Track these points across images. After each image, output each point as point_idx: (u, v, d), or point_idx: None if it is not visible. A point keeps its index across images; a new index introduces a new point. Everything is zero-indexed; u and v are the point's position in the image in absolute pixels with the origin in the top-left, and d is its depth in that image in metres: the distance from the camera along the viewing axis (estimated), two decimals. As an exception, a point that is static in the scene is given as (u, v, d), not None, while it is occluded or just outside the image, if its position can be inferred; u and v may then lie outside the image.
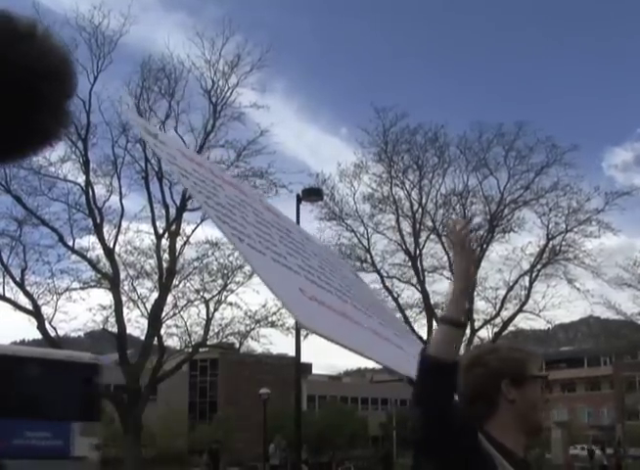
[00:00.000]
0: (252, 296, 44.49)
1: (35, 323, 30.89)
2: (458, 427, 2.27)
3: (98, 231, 32.07)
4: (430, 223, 39.72)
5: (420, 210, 39.51)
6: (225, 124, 33.67)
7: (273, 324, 33.93)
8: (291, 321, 31.57)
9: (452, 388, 2.30)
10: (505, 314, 39.69)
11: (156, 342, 32.71)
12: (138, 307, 32.99)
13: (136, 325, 33.64)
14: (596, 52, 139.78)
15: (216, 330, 34.22)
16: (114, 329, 32.24)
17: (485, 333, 39.70)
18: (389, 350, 2.91)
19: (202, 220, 33.55)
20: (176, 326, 33.93)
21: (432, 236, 39.88)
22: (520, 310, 39.48)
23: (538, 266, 39.77)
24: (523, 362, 2.59)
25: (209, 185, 2.68)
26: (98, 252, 32.83)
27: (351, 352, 2.29)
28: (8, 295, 31.35)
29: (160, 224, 33.15)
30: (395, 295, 39.29)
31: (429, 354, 2.28)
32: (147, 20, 73.79)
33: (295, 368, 26.43)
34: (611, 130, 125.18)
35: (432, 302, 39.14)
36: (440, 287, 40.96)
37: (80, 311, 64.85)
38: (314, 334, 2.11)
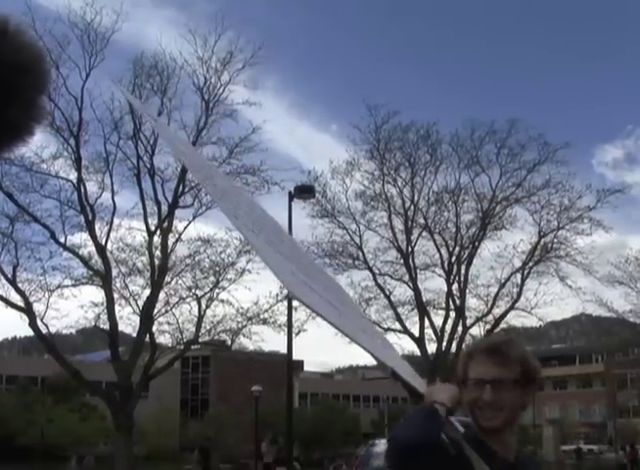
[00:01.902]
0: (244, 293, 44.57)
1: (27, 320, 30.83)
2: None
3: (90, 228, 32.01)
4: (422, 221, 39.78)
5: (412, 207, 39.55)
6: (217, 121, 33.67)
7: (265, 321, 33.95)
8: (282, 318, 31.62)
9: None
10: (497, 312, 39.79)
11: (147, 339, 32.68)
12: (130, 305, 32.97)
13: (128, 322, 33.61)
14: (586, 50, 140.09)
15: (208, 327, 34.25)
16: (106, 326, 32.20)
17: (477, 330, 39.79)
18: (369, 339, 2.93)
19: (194, 217, 33.59)
20: (168, 323, 33.94)
21: (424, 233, 39.93)
22: (511, 308, 39.56)
23: (530, 264, 39.85)
24: (465, 366, 2.58)
25: (206, 169, 2.74)
26: (90, 249, 32.80)
27: (337, 330, 2.30)
28: (-1, 292, 31.32)
29: (152, 221, 33.14)
30: (387, 292, 39.32)
31: None
32: (137, 15, 73.63)
33: (286, 365, 26.45)
34: (601, 127, 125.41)
35: (423, 299, 39.21)
36: (432, 284, 41.04)
37: (72, 308, 65.14)
38: (311, 310, 2.12)
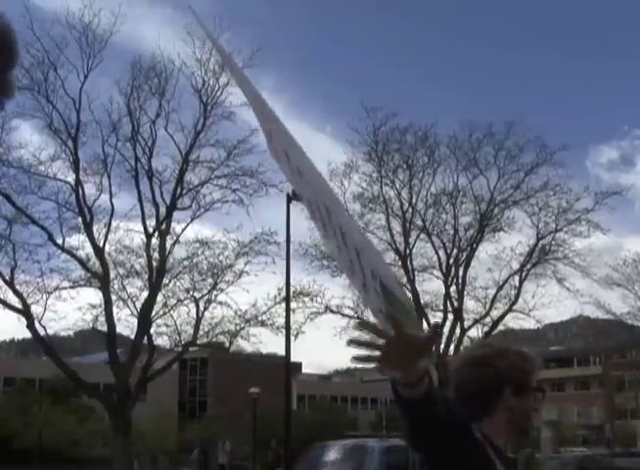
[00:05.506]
0: (242, 295, 44.52)
1: (25, 322, 30.82)
2: (454, 428, 2.26)
3: (88, 230, 32.00)
4: (420, 223, 39.75)
5: (410, 209, 39.52)
6: (215, 123, 33.58)
7: (263, 323, 33.90)
8: (280, 320, 31.60)
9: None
10: (495, 314, 39.74)
11: (145, 341, 32.66)
12: (128, 307, 32.94)
13: (126, 324, 33.61)
14: (582, 51, 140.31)
15: (206, 329, 34.21)
16: (104, 328, 32.17)
17: (475, 332, 39.77)
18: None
19: (191, 219, 33.59)
20: (166, 325, 33.89)
21: (421, 235, 39.92)
22: (509, 310, 39.54)
23: (528, 266, 39.83)
24: (528, 373, 2.59)
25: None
26: (88, 251, 32.75)
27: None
28: (-3, 294, 31.27)
29: (150, 223, 33.11)
30: (385, 294, 39.23)
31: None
32: (132, 15, 73.18)
33: (284, 367, 26.46)
34: (596, 128, 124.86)
35: (422, 301, 39.17)
36: (430, 286, 41.00)
37: (70, 310, 64.75)
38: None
